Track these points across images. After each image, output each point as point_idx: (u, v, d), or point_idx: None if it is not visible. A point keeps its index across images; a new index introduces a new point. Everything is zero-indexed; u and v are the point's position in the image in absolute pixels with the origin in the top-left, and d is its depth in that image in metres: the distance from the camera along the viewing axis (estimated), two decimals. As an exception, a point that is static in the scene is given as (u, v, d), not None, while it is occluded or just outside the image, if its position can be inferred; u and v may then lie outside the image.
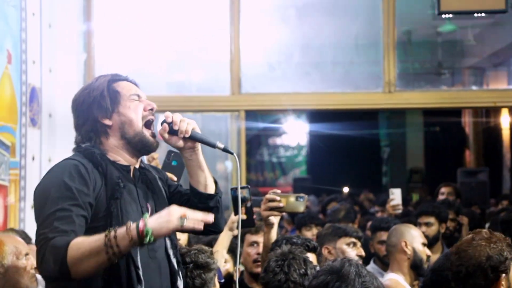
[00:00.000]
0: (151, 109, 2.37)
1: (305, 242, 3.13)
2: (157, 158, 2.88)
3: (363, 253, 3.72)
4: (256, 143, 13.76)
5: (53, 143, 5.28)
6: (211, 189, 2.44)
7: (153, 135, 2.36)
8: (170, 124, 2.35)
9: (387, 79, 6.23)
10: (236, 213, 2.87)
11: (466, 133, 13.04)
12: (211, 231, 2.52)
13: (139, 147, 2.33)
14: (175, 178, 2.70)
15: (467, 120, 12.84)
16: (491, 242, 2.54)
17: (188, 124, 2.35)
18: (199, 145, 2.40)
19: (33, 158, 4.97)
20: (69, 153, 2.34)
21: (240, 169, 2.33)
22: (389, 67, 6.24)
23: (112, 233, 1.95)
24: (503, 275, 2.50)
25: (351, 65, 6.64)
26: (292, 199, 2.95)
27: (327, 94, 6.36)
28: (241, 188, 2.74)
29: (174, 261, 2.30)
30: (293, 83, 6.42)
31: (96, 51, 6.13)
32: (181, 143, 2.37)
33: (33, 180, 4.93)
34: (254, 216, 2.88)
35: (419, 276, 3.74)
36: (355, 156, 13.24)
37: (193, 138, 2.37)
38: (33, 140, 4.98)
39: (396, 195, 5.43)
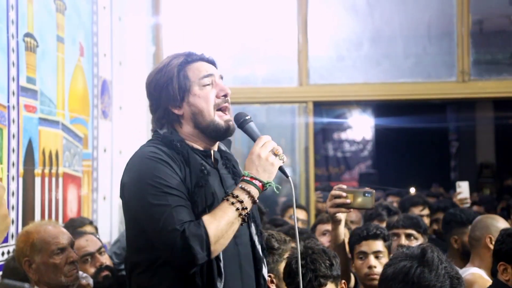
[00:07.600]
0: (225, 95, 2.22)
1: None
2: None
3: None
4: (320, 138, 13.60)
5: (123, 136, 5.33)
6: None
7: (228, 121, 2.22)
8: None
9: (460, 68, 6.03)
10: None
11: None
12: None
13: (213, 135, 2.23)
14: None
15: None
16: None
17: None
18: None
19: (104, 150, 5.02)
20: (139, 146, 2.27)
21: (295, 192, 2.21)
22: (463, 56, 6.05)
23: (232, 199, 2.03)
24: None
25: (423, 55, 6.44)
26: (359, 194, 2.78)
27: (398, 84, 6.19)
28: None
29: (259, 247, 2.20)
30: (362, 73, 6.26)
31: (165, 44, 6.15)
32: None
33: (105, 171, 4.99)
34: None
35: None
36: (423, 150, 12.90)
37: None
38: (105, 132, 5.03)
39: (463, 188, 5.30)
